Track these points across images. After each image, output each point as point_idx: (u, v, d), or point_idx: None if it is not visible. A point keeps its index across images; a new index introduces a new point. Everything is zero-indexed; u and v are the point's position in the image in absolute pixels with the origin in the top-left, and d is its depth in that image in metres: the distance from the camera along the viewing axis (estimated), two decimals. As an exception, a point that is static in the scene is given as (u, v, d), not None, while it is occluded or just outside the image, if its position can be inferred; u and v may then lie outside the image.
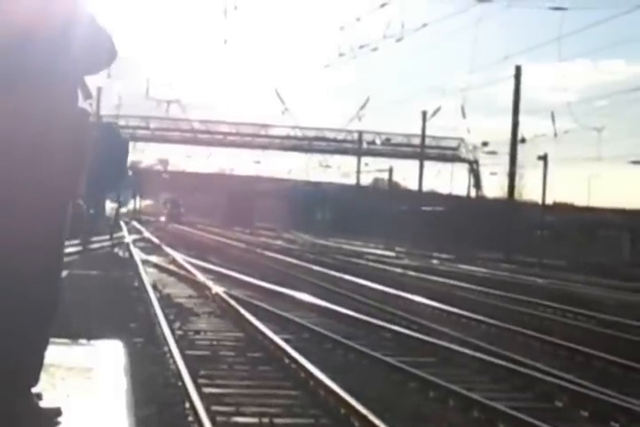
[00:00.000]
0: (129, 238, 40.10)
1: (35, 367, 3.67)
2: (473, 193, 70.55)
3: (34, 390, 3.68)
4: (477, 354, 12.26)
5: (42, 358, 3.71)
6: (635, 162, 54.93)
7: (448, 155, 73.60)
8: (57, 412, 3.68)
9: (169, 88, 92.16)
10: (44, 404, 3.71)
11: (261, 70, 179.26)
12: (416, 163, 67.67)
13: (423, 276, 28.18)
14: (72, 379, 4.47)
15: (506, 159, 52.07)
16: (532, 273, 33.32)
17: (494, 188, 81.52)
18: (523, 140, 50.93)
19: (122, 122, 68.09)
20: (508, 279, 29.48)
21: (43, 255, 3.62)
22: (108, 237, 34.68)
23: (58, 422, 3.65)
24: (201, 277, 22.27)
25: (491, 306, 19.67)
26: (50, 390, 3.99)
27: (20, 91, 3.49)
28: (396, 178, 76.80)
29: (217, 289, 18.84)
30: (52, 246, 3.69)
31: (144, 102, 74.15)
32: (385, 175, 76.70)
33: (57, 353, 4.41)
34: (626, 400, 9.63)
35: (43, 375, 3.76)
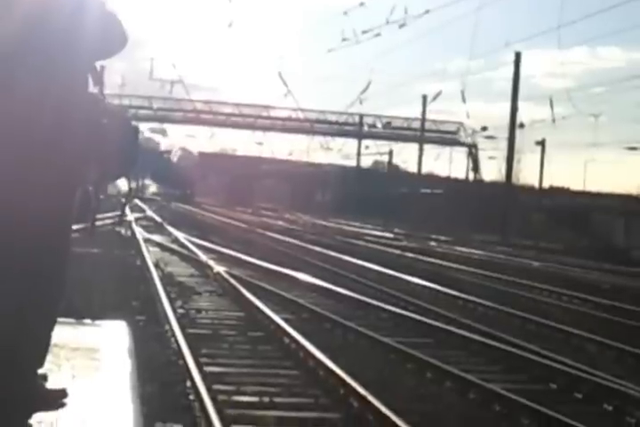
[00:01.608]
0: (131, 217, 40.09)
1: (41, 349, 3.66)
2: (471, 177, 70.51)
3: (40, 371, 3.68)
4: (474, 336, 12.28)
5: (49, 339, 3.70)
6: (630, 148, 54.97)
7: (447, 139, 73.50)
8: (63, 393, 3.69)
9: (173, 69, 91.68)
10: (49, 385, 3.72)
11: (265, 53, 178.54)
12: (416, 146, 67.74)
13: (421, 257, 28.20)
14: (77, 359, 4.47)
15: (504, 144, 52.08)
16: (528, 256, 33.33)
17: (492, 171, 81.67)
18: (521, 126, 50.94)
19: (125, 102, 67.89)
20: (504, 262, 29.50)
21: (53, 234, 3.62)
22: (114, 214, 34.56)
23: (64, 404, 3.65)
24: (202, 256, 22.28)
25: (487, 288, 19.69)
26: (55, 371, 3.99)
27: (34, 75, 3.48)
28: (395, 161, 76.93)
29: (218, 268, 18.85)
30: (61, 227, 3.68)
31: (148, 82, 73.99)
32: (385, 158, 76.83)
33: (62, 333, 4.40)
34: (619, 383, 9.65)
35: (48, 356, 3.76)
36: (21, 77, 3.47)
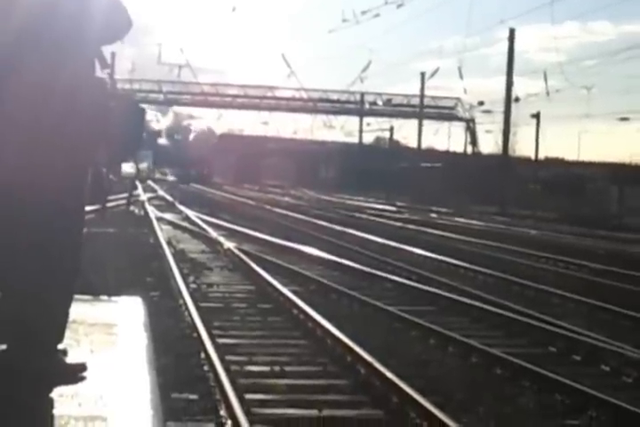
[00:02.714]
0: (144, 197, 40.11)
1: (60, 325, 3.69)
2: (469, 150, 70.37)
3: (59, 346, 3.71)
4: (475, 303, 12.32)
5: (67, 315, 3.73)
6: (622, 118, 54.77)
7: (446, 114, 73.27)
8: (82, 367, 3.72)
9: (180, 53, 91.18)
10: (69, 360, 3.74)
11: (268, 36, 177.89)
12: (415, 122, 67.55)
13: (422, 229, 28.21)
14: (95, 335, 4.50)
15: (500, 118, 51.93)
16: (525, 225, 33.34)
17: (489, 145, 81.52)
18: (516, 100, 50.75)
19: (135, 86, 67.86)
20: (502, 231, 29.50)
21: (64, 215, 3.63)
22: (125, 195, 34.59)
23: (84, 377, 3.68)
24: (213, 233, 22.31)
25: (487, 257, 19.71)
26: (74, 346, 4.02)
27: (42, 60, 3.48)
28: (396, 136, 76.78)
29: (228, 244, 18.88)
30: (74, 207, 3.70)
31: (156, 67, 73.83)
32: (386, 134, 76.68)
33: (79, 310, 4.43)
34: (616, 345, 9.68)
35: (67, 332, 3.79)
36: (30, 62, 3.48)
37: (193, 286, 13.53)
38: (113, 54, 42.78)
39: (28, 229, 3.58)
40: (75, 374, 3.66)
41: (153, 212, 30.28)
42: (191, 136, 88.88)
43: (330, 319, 9.99)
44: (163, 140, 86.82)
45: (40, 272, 3.58)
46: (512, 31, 48.92)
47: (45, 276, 3.58)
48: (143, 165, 70.06)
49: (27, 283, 3.57)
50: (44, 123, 3.49)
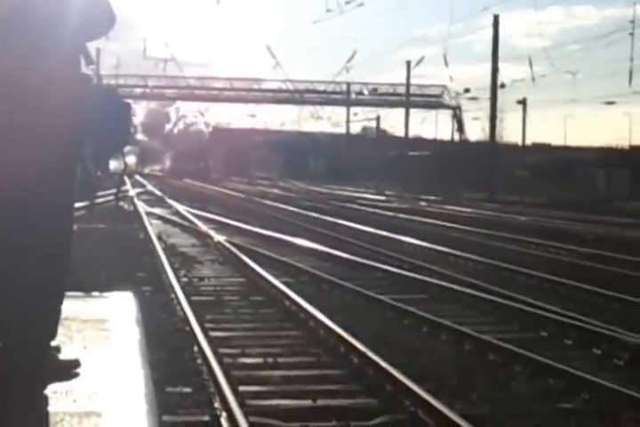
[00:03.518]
0: (133, 192, 40.06)
1: (53, 322, 3.70)
2: (457, 137, 70.42)
3: (52, 343, 3.72)
4: (466, 290, 12.36)
5: (59, 312, 3.74)
6: (607, 102, 54.88)
7: (432, 102, 73.23)
8: (76, 363, 3.73)
9: (165, 47, 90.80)
10: (62, 356, 3.75)
11: (253, 28, 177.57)
12: (402, 111, 67.54)
13: (412, 217, 28.25)
14: (87, 331, 4.51)
15: (487, 104, 52.09)
16: (514, 211, 33.42)
17: (477, 131, 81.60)
18: (502, 86, 50.83)
19: (121, 81, 67.67)
20: (491, 218, 29.58)
21: (56, 211, 3.63)
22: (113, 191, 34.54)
23: (77, 373, 3.69)
24: (203, 226, 22.30)
25: (477, 244, 19.76)
26: (67, 343, 4.03)
27: (16, 58, 3.47)
28: (383, 126, 76.73)
29: (219, 238, 18.88)
30: (63, 203, 3.70)
31: (142, 62, 73.63)
32: (373, 124, 76.65)
33: (71, 306, 4.45)
34: (607, 328, 9.72)
35: (60, 329, 3.80)
36: (2, 60, 3.47)
37: (184, 279, 13.53)
38: (98, 50, 42.77)
39: (17, 227, 3.58)
40: (68, 370, 3.67)
41: (142, 207, 30.25)
42: (185, 128, 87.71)
43: (322, 310, 10.01)
44: (148, 135, 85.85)
45: (31, 270, 3.59)
46: (496, 18, 48.99)
47: (37, 273, 3.59)
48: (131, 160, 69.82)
49: (18, 281, 3.58)
50: (17, 120, 3.48)
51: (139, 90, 70.87)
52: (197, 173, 72.17)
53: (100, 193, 30.35)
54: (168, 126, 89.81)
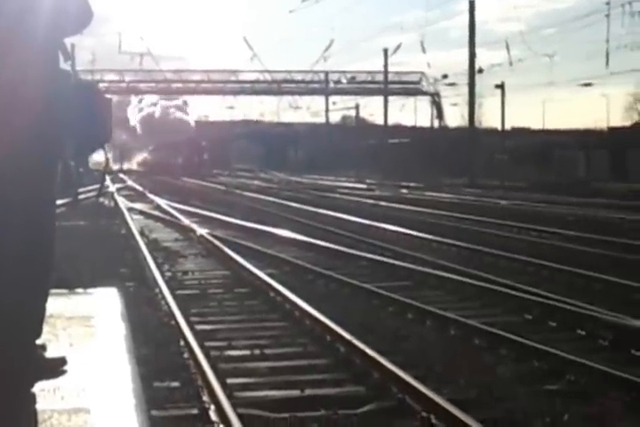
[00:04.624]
0: (113, 188, 39.96)
1: (38, 320, 3.71)
2: (436, 124, 70.51)
3: (38, 341, 3.72)
4: (449, 275, 12.41)
5: (44, 310, 3.74)
6: (584, 84, 55.02)
7: (410, 89, 73.22)
8: (62, 361, 3.74)
9: (141, 41, 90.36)
10: (49, 354, 3.76)
11: (229, 19, 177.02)
12: (381, 98, 67.56)
13: (394, 205, 28.30)
14: (73, 328, 4.52)
15: (465, 90, 52.12)
16: (495, 195, 33.53)
17: (456, 117, 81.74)
18: (480, 71, 50.93)
19: (97, 76, 67.30)
20: (473, 203, 29.67)
21: (37, 208, 3.63)
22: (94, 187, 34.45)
23: (64, 371, 3.70)
24: (185, 220, 22.28)
25: (459, 229, 19.82)
26: (53, 341, 4.04)
27: None
28: (362, 114, 76.78)
29: (201, 231, 18.87)
30: (44, 201, 3.69)
31: (117, 57, 73.35)
32: (352, 112, 76.65)
33: (56, 304, 4.45)
34: (590, 309, 9.79)
35: (45, 327, 3.80)
36: None
37: (168, 274, 13.52)
38: (73, 45, 42.50)
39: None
40: (55, 368, 3.68)
41: (123, 202, 30.19)
42: (171, 117, 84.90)
43: (307, 300, 10.03)
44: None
45: (14, 269, 3.59)
46: (472, 3, 49.03)
47: (20, 272, 3.59)
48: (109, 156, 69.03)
49: (1, 280, 3.58)
50: None
51: (115, 85, 70.54)
52: (190, 169, 65.41)
53: (82, 189, 30.30)
54: (133, 117, 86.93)
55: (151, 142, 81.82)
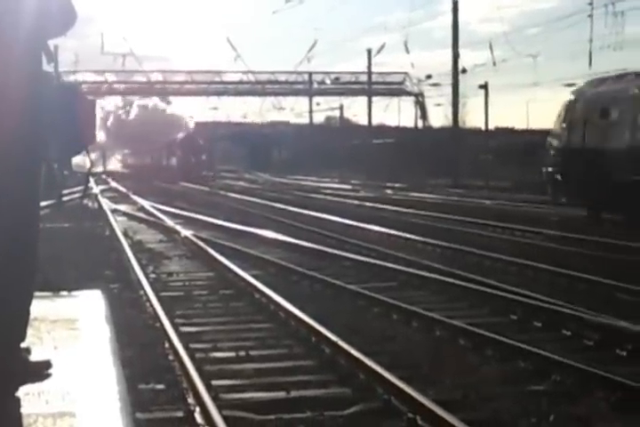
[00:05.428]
0: (97, 189, 39.83)
1: (22, 323, 3.69)
2: (420, 124, 70.61)
3: (22, 345, 3.71)
4: (434, 276, 12.42)
5: (28, 313, 3.73)
6: (568, 84, 55.12)
7: (394, 89, 73.30)
8: (47, 364, 3.72)
9: (123, 42, 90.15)
10: (33, 358, 3.75)
11: (212, 20, 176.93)
12: (365, 99, 67.63)
13: (379, 206, 28.32)
14: (57, 331, 4.50)
15: (449, 90, 52.22)
16: (479, 195, 33.60)
17: (440, 118, 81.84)
18: (464, 71, 51.00)
19: (80, 77, 67.13)
20: (457, 203, 29.72)
21: (21, 210, 3.61)
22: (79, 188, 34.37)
23: (49, 374, 3.69)
24: (169, 222, 22.24)
25: (443, 230, 19.84)
26: (38, 344, 4.03)
27: None
28: (346, 115, 76.83)
29: (185, 232, 18.84)
30: (28, 203, 3.68)
31: (100, 57, 73.14)
32: (336, 113, 76.70)
33: (40, 307, 4.44)
34: (575, 309, 9.81)
35: (29, 330, 3.79)
36: None
37: (152, 275, 13.49)
38: (56, 47, 42.44)
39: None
40: (40, 371, 3.67)
41: (107, 204, 30.10)
42: (160, 116, 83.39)
43: (292, 301, 10.03)
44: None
45: (0, 269, 3.57)
46: (455, 3, 49.14)
47: (5, 273, 3.58)
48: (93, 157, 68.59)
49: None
50: None
51: (97, 85, 70.31)
52: (187, 172, 58.33)
53: (65, 191, 30.20)
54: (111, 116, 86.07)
55: (138, 141, 79.83)
